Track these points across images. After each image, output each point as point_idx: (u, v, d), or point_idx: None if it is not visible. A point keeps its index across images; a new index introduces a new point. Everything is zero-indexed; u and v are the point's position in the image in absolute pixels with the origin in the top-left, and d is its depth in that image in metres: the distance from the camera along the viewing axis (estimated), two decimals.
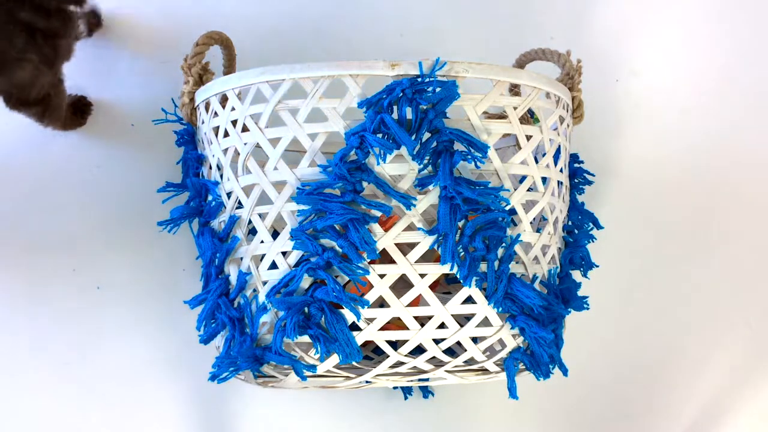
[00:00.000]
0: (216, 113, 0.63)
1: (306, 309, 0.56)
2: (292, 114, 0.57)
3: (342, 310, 0.56)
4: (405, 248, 0.56)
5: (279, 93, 0.57)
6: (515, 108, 0.59)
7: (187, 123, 0.70)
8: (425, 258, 0.57)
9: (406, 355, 0.59)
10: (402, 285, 0.60)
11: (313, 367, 0.58)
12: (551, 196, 0.63)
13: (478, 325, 0.59)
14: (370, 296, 0.56)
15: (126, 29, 0.83)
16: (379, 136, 0.54)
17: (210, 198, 0.65)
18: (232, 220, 0.61)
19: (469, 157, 0.56)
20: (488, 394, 0.80)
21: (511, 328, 0.60)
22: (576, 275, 0.70)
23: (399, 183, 0.56)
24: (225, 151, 0.62)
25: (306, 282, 0.56)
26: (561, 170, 0.66)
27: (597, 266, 0.71)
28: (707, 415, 0.83)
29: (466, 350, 0.60)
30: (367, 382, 0.62)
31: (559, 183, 0.65)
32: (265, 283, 0.58)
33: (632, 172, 0.86)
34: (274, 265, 0.58)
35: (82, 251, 0.77)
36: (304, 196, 0.55)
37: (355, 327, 0.57)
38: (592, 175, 0.76)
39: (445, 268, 0.56)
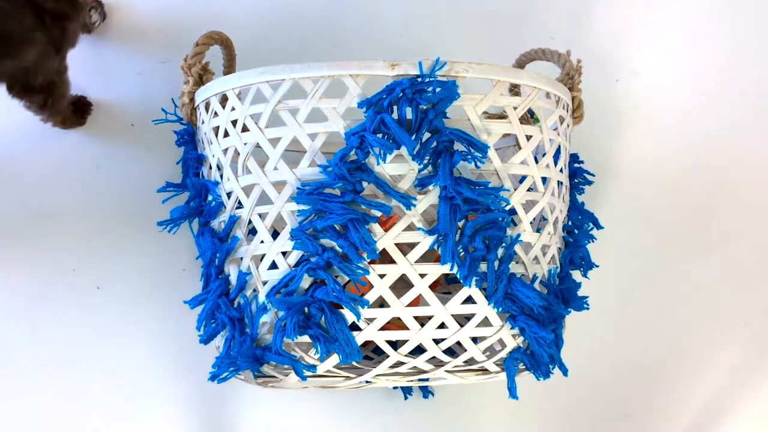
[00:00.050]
0: (216, 113, 0.63)
1: (306, 309, 0.56)
2: (292, 114, 0.57)
3: (342, 310, 0.56)
4: (405, 248, 0.56)
5: (279, 93, 0.57)
6: (515, 108, 0.59)
7: (187, 123, 0.70)
8: (425, 258, 0.57)
9: (406, 355, 0.59)
10: (402, 285, 0.60)
11: (313, 367, 0.58)
12: (551, 196, 0.63)
13: (478, 325, 0.59)
14: (370, 296, 0.56)
15: (126, 29, 0.83)
16: (379, 136, 0.54)
17: (210, 198, 0.65)
18: (232, 220, 0.61)
19: (469, 157, 0.56)
20: (488, 394, 0.80)
21: (511, 328, 0.60)
22: (576, 275, 0.70)
23: (399, 183, 0.56)
24: (225, 151, 0.62)
25: (306, 282, 0.56)
26: (561, 170, 0.66)
27: (597, 266, 0.71)
28: (707, 415, 0.83)
29: (466, 350, 0.60)
30: (367, 382, 0.62)
31: (559, 183, 0.65)
32: (265, 283, 0.58)
33: (632, 172, 0.86)
34: (274, 265, 0.58)
35: (82, 251, 0.77)
36: (304, 196, 0.55)
37: (355, 327, 0.57)
38: (592, 175, 0.76)
39: (445, 268, 0.56)
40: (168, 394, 0.76)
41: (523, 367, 0.63)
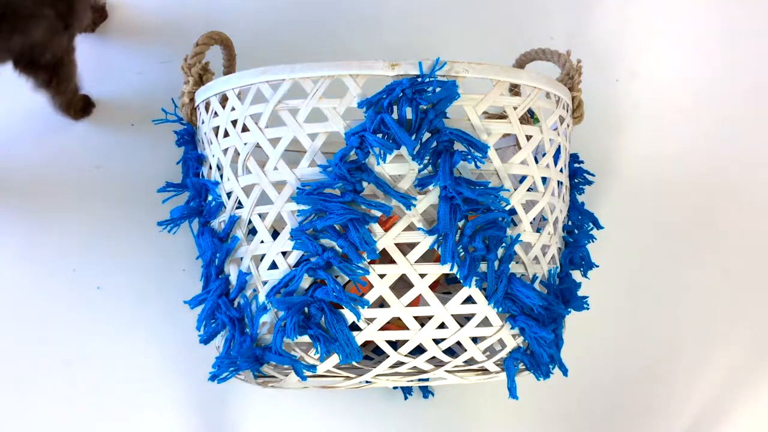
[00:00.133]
0: (216, 113, 0.63)
1: (306, 309, 0.56)
2: (292, 114, 0.57)
3: (342, 310, 0.56)
4: (405, 248, 0.56)
5: (279, 93, 0.57)
6: (515, 108, 0.59)
7: (187, 123, 0.70)
8: (425, 258, 0.57)
9: (406, 355, 0.59)
10: (402, 285, 0.60)
11: (313, 367, 0.58)
12: (551, 196, 0.63)
13: (478, 325, 0.59)
14: (370, 296, 0.56)
15: (126, 29, 0.83)
16: (379, 136, 0.54)
17: (210, 198, 0.65)
18: (232, 220, 0.61)
19: (469, 157, 0.56)
20: (488, 394, 0.80)
21: (511, 328, 0.60)
22: (576, 275, 0.70)
23: (399, 183, 0.56)
24: (225, 151, 0.62)
25: (306, 282, 0.56)
26: (561, 170, 0.66)
27: (597, 266, 0.71)
28: (707, 415, 0.83)
29: (466, 350, 0.60)
30: (367, 382, 0.62)
31: (559, 183, 0.65)
32: (265, 283, 0.58)
33: (632, 172, 0.86)
34: (274, 265, 0.58)
35: (82, 251, 0.77)
36: (304, 196, 0.55)
37: (355, 327, 0.57)
38: (592, 175, 0.76)
39: (445, 268, 0.56)
40: (168, 394, 0.76)
41: (523, 367, 0.63)
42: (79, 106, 0.77)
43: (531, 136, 0.61)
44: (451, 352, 0.62)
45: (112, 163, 0.79)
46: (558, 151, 0.65)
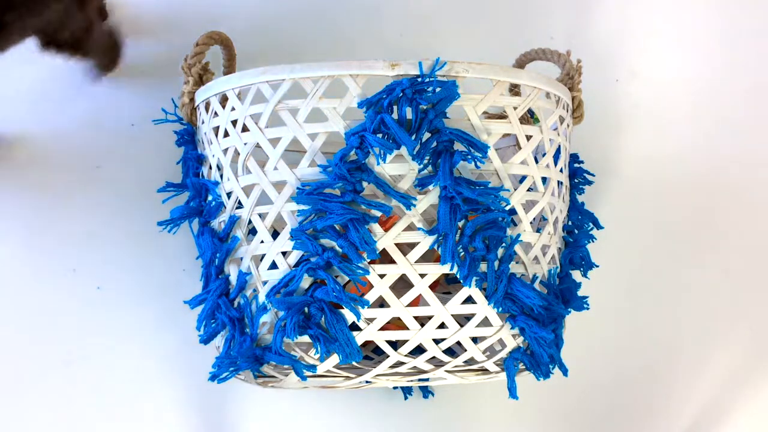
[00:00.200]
0: (216, 113, 0.63)
1: (306, 309, 0.56)
2: (292, 114, 0.57)
3: (342, 310, 0.56)
4: (405, 248, 0.56)
5: (279, 93, 0.57)
6: (515, 108, 0.59)
7: (187, 123, 0.70)
8: (425, 258, 0.57)
9: (406, 355, 0.59)
10: (402, 285, 0.60)
11: (313, 367, 0.58)
12: (551, 196, 0.63)
13: (478, 325, 0.59)
14: (370, 296, 0.56)
15: (126, 29, 0.83)
16: (379, 136, 0.54)
17: (210, 198, 0.65)
18: (232, 220, 0.61)
19: (469, 157, 0.56)
20: (488, 394, 0.80)
21: (511, 328, 0.60)
22: (576, 275, 0.70)
23: (399, 183, 0.56)
24: (225, 151, 0.62)
25: (306, 282, 0.56)
26: (561, 170, 0.66)
27: (597, 266, 0.71)
28: (707, 415, 0.83)
29: (466, 350, 0.60)
30: (367, 382, 0.62)
31: (559, 183, 0.65)
32: (265, 283, 0.58)
33: (632, 172, 0.86)
34: (274, 265, 0.58)
35: (82, 251, 0.77)
36: (304, 196, 0.55)
37: (355, 327, 0.57)
38: (592, 175, 0.76)
39: (445, 268, 0.56)
40: (168, 394, 0.76)
41: (523, 367, 0.63)
42: (111, 64, 0.78)
43: (531, 136, 0.61)
44: (451, 352, 0.62)
45: (112, 163, 0.79)
46: (558, 151, 0.65)
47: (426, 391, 0.79)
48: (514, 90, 0.75)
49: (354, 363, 0.57)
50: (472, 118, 0.57)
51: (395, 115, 0.55)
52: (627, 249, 0.84)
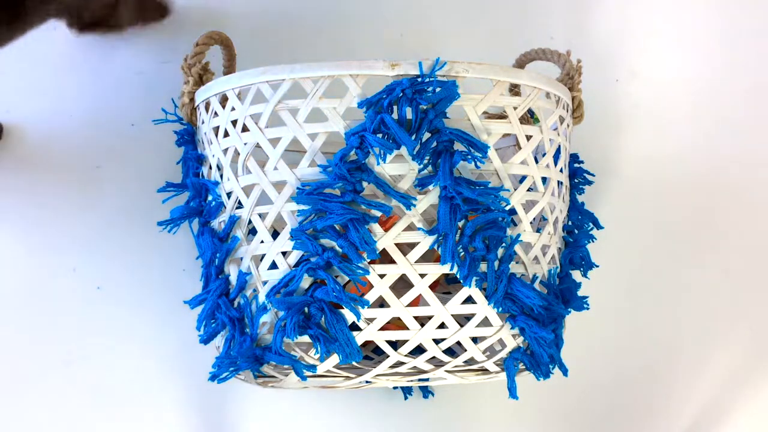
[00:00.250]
0: (216, 113, 0.63)
1: (306, 309, 0.56)
2: (292, 114, 0.57)
3: (342, 310, 0.56)
4: (405, 248, 0.56)
5: (279, 93, 0.57)
6: (515, 108, 0.59)
7: (187, 123, 0.70)
8: (425, 258, 0.57)
9: (406, 355, 0.59)
10: (402, 285, 0.60)
11: (313, 367, 0.58)
12: (551, 196, 0.63)
13: (478, 325, 0.59)
14: (370, 296, 0.56)
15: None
16: (379, 136, 0.54)
17: (210, 198, 0.65)
18: (232, 220, 0.61)
19: (469, 157, 0.56)
20: (488, 394, 0.80)
21: (511, 328, 0.60)
22: (576, 275, 0.70)
23: (399, 183, 0.56)
24: (225, 151, 0.62)
25: (306, 282, 0.56)
26: (561, 170, 0.66)
27: (597, 266, 0.71)
28: (707, 415, 0.83)
29: (466, 350, 0.60)
30: (367, 382, 0.62)
31: (559, 183, 0.65)
32: (265, 283, 0.58)
33: (632, 172, 0.86)
34: (274, 265, 0.58)
35: (82, 251, 0.77)
36: (304, 196, 0.55)
37: (355, 327, 0.57)
38: (592, 175, 0.76)
39: (445, 268, 0.56)
40: (168, 394, 0.76)
41: (523, 367, 0.63)
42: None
43: (531, 136, 0.61)
44: (451, 352, 0.62)
45: (112, 163, 0.79)
46: (558, 151, 0.65)
47: (426, 391, 0.79)
48: (514, 90, 0.75)
49: (354, 363, 0.57)
50: (472, 118, 0.57)
51: (395, 115, 0.55)
52: (627, 249, 0.84)
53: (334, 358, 0.57)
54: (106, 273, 0.77)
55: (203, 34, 0.68)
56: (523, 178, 0.60)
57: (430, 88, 0.55)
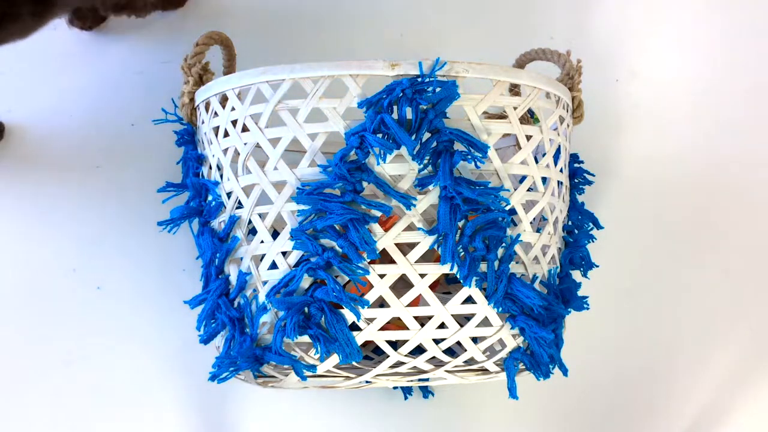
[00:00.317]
0: (216, 113, 0.63)
1: (306, 309, 0.56)
2: (292, 114, 0.57)
3: (342, 310, 0.56)
4: (405, 248, 0.56)
5: (279, 93, 0.57)
6: (515, 108, 0.59)
7: (187, 123, 0.70)
8: (425, 258, 0.57)
9: (406, 355, 0.59)
10: (402, 285, 0.60)
11: (313, 367, 0.58)
12: (551, 196, 0.63)
13: (478, 325, 0.59)
14: (370, 296, 0.56)
15: (126, 29, 0.83)
16: (379, 136, 0.54)
17: (210, 198, 0.65)
18: (232, 220, 0.61)
19: (469, 157, 0.56)
20: (488, 394, 0.80)
21: (511, 328, 0.60)
22: (576, 275, 0.70)
23: (399, 183, 0.56)
24: (225, 151, 0.62)
25: (306, 282, 0.56)
26: (561, 170, 0.66)
27: (597, 266, 0.71)
28: (707, 415, 0.83)
29: (466, 350, 0.60)
30: (367, 382, 0.62)
31: (559, 183, 0.65)
32: (265, 283, 0.58)
33: (632, 172, 0.86)
34: (274, 265, 0.58)
35: (82, 251, 0.77)
36: (304, 196, 0.55)
37: (355, 327, 0.57)
38: (592, 175, 0.76)
39: (445, 268, 0.56)
40: (168, 394, 0.76)
41: (523, 367, 0.63)
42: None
43: (531, 136, 0.61)
44: (451, 352, 0.62)
45: (112, 163, 0.79)
46: (558, 151, 0.65)
47: (426, 391, 0.79)
48: (514, 90, 0.75)
49: (354, 363, 0.57)
50: (472, 118, 0.57)
51: (395, 115, 0.55)
52: (627, 249, 0.84)
53: (334, 358, 0.57)
54: (106, 273, 0.77)
55: (203, 34, 0.68)
56: (523, 178, 0.60)
57: (430, 88, 0.55)
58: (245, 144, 0.59)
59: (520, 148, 0.60)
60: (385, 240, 0.56)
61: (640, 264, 0.85)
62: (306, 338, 0.56)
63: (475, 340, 0.61)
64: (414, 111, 0.54)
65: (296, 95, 0.57)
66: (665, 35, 0.91)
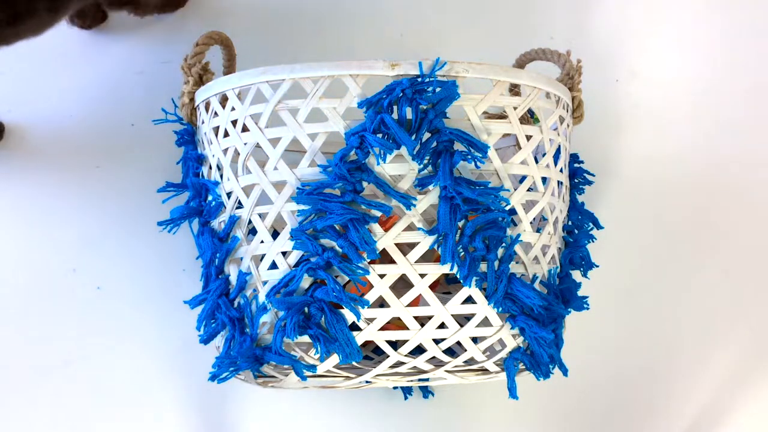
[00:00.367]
0: (216, 113, 0.63)
1: (306, 309, 0.56)
2: (292, 114, 0.57)
3: (342, 310, 0.56)
4: (405, 248, 0.56)
5: (279, 93, 0.57)
6: (515, 108, 0.59)
7: (187, 123, 0.70)
8: (425, 258, 0.57)
9: (406, 355, 0.59)
10: (402, 285, 0.60)
11: (313, 367, 0.58)
12: (551, 196, 0.63)
13: (478, 325, 0.59)
14: (370, 296, 0.56)
15: (126, 29, 0.83)
16: (379, 136, 0.54)
17: (210, 198, 0.65)
18: (232, 220, 0.61)
19: (469, 157, 0.56)
20: (488, 394, 0.80)
21: (511, 328, 0.60)
22: (576, 275, 0.69)
23: (399, 183, 0.56)
24: (225, 151, 0.62)
25: (306, 282, 0.56)
26: (561, 170, 0.66)
27: (597, 266, 0.71)
28: (707, 415, 0.83)
29: (466, 350, 0.60)
30: (367, 382, 0.62)
31: (559, 183, 0.65)
32: (265, 283, 0.58)
33: (632, 172, 0.86)
34: (274, 265, 0.58)
35: (82, 251, 0.77)
36: (304, 196, 0.55)
37: (355, 327, 0.57)
38: (592, 175, 0.76)
39: (445, 268, 0.56)
40: (168, 394, 0.76)
41: (523, 367, 0.63)
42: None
43: (531, 136, 0.61)
44: (451, 352, 0.62)
45: (112, 163, 0.79)
46: (558, 151, 0.65)
47: (426, 391, 0.79)
48: (514, 90, 0.75)
49: (354, 363, 0.57)
50: (472, 118, 0.57)
51: (395, 115, 0.55)
52: (627, 249, 0.84)
53: (334, 358, 0.57)
54: (106, 273, 0.77)
55: (203, 34, 0.68)
56: (523, 178, 0.60)
57: (430, 88, 0.55)
58: (245, 144, 0.59)
59: (520, 148, 0.60)
60: (385, 240, 0.56)
61: (640, 264, 0.85)
62: (306, 338, 0.56)
63: (475, 340, 0.61)
64: (414, 111, 0.54)
65: (296, 95, 0.57)
66: (665, 35, 0.91)
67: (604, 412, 0.82)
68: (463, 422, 0.80)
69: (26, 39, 0.61)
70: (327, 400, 0.78)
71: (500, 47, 0.84)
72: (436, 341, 0.59)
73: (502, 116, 0.60)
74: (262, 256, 0.59)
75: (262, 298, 0.58)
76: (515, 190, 0.59)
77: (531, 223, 0.61)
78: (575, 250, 0.69)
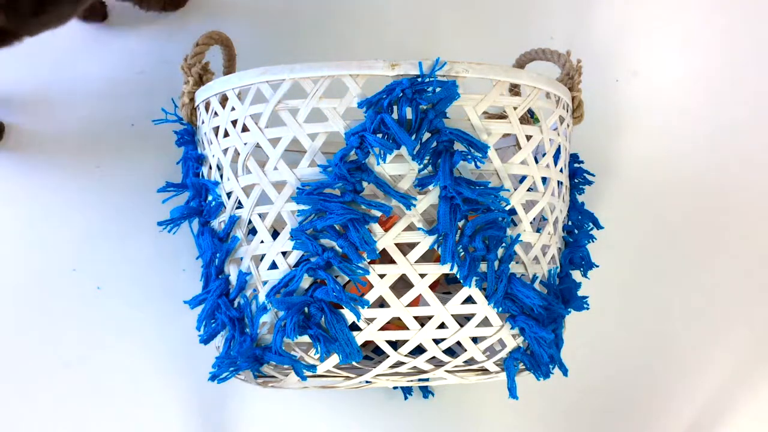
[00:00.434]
0: (216, 113, 0.63)
1: (306, 309, 0.56)
2: (292, 114, 0.57)
3: (342, 310, 0.56)
4: (405, 248, 0.56)
5: (279, 93, 0.57)
6: (515, 108, 0.59)
7: (187, 123, 0.70)
8: (425, 258, 0.57)
9: (406, 355, 0.59)
10: (402, 285, 0.60)
11: (313, 367, 0.58)
12: (551, 196, 0.63)
13: (478, 325, 0.59)
14: (370, 296, 0.56)
15: (126, 29, 0.83)
16: (379, 136, 0.54)
17: (210, 198, 0.65)
18: (232, 220, 0.61)
19: (469, 157, 0.56)
20: (488, 394, 0.80)
21: (511, 328, 0.60)
22: (576, 275, 0.69)
23: (399, 183, 0.56)
24: (225, 151, 0.62)
25: (306, 282, 0.56)
26: (561, 170, 0.66)
27: (597, 266, 0.71)
28: (707, 415, 0.83)
29: (466, 350, 0.60)
30: (367, 382, 0.62)
31: (559, 183, 0.65)
32: (265, 283, 0.58)
33: (632, 172, 0.86)
34: (274, 265, 0.58)
35: (82, 251, 0.77)
36: (304, 196, 0.55)
37: (355, 327, 0.57)
38: (592, 175, 0.76)
39: (445, 268, 0.56)
40: (168, 394, 0.76)
41: (523, 367, 0.63)
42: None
43: (531, 136, 0.61)
44: (451, 352, 0.62)
45: (112, 163, 0.79)
46: (558, 151, 0.65)
47: (426, 391, 0.79)
48: (514, 90, 0.75)
49: (354, 363, 0.57)
50: (472, 118, 0.57)
51: (395, 115, 0.55)
52: (627, 249, 0.84)
53: (334, 358, 0.57)
54: (106, 273, 0.77)
55: (203, 34, 0.68)
56: (523, 178, 0.60)
57: (430, 88, 0.55)
58: (245, 144, 0.59)
59: (520, 148, 0.60)
60: (385, 240, 0.56)
61: (640, 264, 0.85)
62: (306, 338, 0.56)
63: (475, 340, 0.61)
64: (414, 111, 0.54)
65: (296, 95, 0.57)
66: (665, 35, 0.91)
67: (604, 412, 0.82)
68: (463, 422, 0.80)
69: (50, 29, 0.61)
70: (327, 400, 0.78)
71: (500, 47, 0.85)
72: (436, 341, 0.59)
73: (502, 116, 0.60)
74: (262, 256, 0.59)
75: (262, 298, 0.58)
76: (515, 190, 0.59)
77: (531, 223, 0.61)
78: (575, 250, 0.69)
